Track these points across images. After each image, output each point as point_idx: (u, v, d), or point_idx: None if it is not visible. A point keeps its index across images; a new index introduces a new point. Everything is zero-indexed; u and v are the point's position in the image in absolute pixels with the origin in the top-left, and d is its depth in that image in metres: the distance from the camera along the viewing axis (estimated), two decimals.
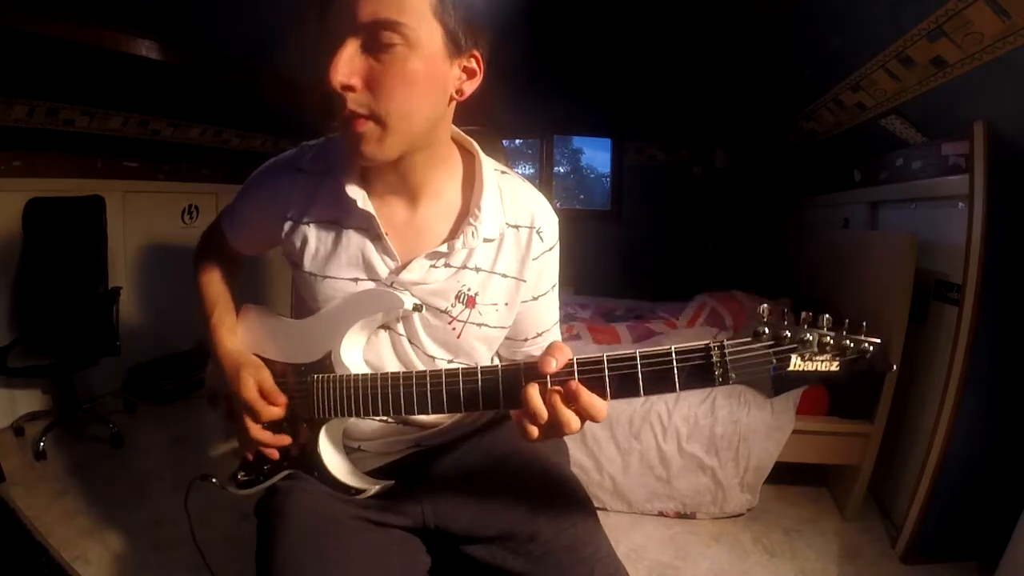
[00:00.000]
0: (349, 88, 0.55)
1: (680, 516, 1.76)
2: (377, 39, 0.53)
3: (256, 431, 0.66)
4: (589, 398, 0.51)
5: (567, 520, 0.70)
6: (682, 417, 1.71)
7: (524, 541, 0.68)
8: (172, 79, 2.31)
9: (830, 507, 1.82)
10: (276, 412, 0.66)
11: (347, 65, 0.54)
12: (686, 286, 2.82)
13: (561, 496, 0.74)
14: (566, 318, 2.34)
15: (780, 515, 1.77)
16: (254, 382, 0.65)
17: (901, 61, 1.54)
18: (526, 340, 0.76)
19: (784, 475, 1.77)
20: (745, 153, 3.46)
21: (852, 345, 0.46)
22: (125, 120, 2.43)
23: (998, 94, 1.34)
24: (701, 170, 3.58)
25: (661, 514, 1.76)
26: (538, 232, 0.70)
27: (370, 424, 0.72)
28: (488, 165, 0.69)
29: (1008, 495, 1.35)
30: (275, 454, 0.68)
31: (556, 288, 0.76)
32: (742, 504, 1.73)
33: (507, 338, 0.75)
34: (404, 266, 0.66)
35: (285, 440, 0.67)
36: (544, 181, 3.88)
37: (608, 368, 0.51)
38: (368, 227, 0.66)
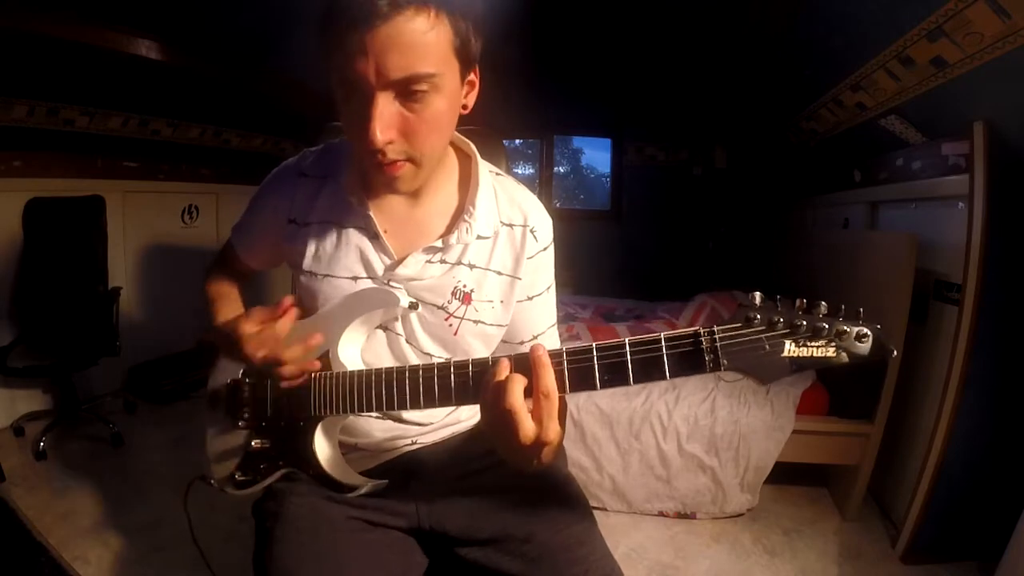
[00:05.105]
0: (388, 143, 0.55)
1: (680, 516, 1.76)
2: (409, 91, 0.54)
3: (278, 351, 0.63)
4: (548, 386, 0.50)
5: (562, 521, 0.70)
6: (682, 417, 1.71)
7: (520, 542, 0.68)
8: (172, 79, 2.31)
9: (830, 507, 1.82)
10: (285, 321, 0.65)
11: (385, 122, 0.54)
12: (686, 286, 2.83)
13: (557, 496, 0.74)
14: (566, 318, 2.34)
15: (780, 515, 1.77)
16: (252, 320, 0.66)
17: (901, 61, 1.54)
18: (522, 343, 0.76)
19: (784, 475, 1.77)
20: (745, 153, 3.46)
21: (849, 331, 0.44)
22: (125, 120, 2.44)
23: (998, 94, 1.34)
24: (701, 170, 3.57)
25: (661, 514, 1.76)
26: (532, 231, 0.71)
27: (366, 422, 0.73)
28: (484, 167, 0.71)
29: (1008, 495, 1.35)
30: (316, 364, 0.65)
31: (552, 290, 0.77)
32: (742, 504, 1.73)
33: (504, 340, 0.75)
34: (400, 261, 0.67)
35: (317, 342, 0.64)
36: (544, 181, 3.87)
37: (597, 357, 0.51)
38: (366, 226, 0.68)
